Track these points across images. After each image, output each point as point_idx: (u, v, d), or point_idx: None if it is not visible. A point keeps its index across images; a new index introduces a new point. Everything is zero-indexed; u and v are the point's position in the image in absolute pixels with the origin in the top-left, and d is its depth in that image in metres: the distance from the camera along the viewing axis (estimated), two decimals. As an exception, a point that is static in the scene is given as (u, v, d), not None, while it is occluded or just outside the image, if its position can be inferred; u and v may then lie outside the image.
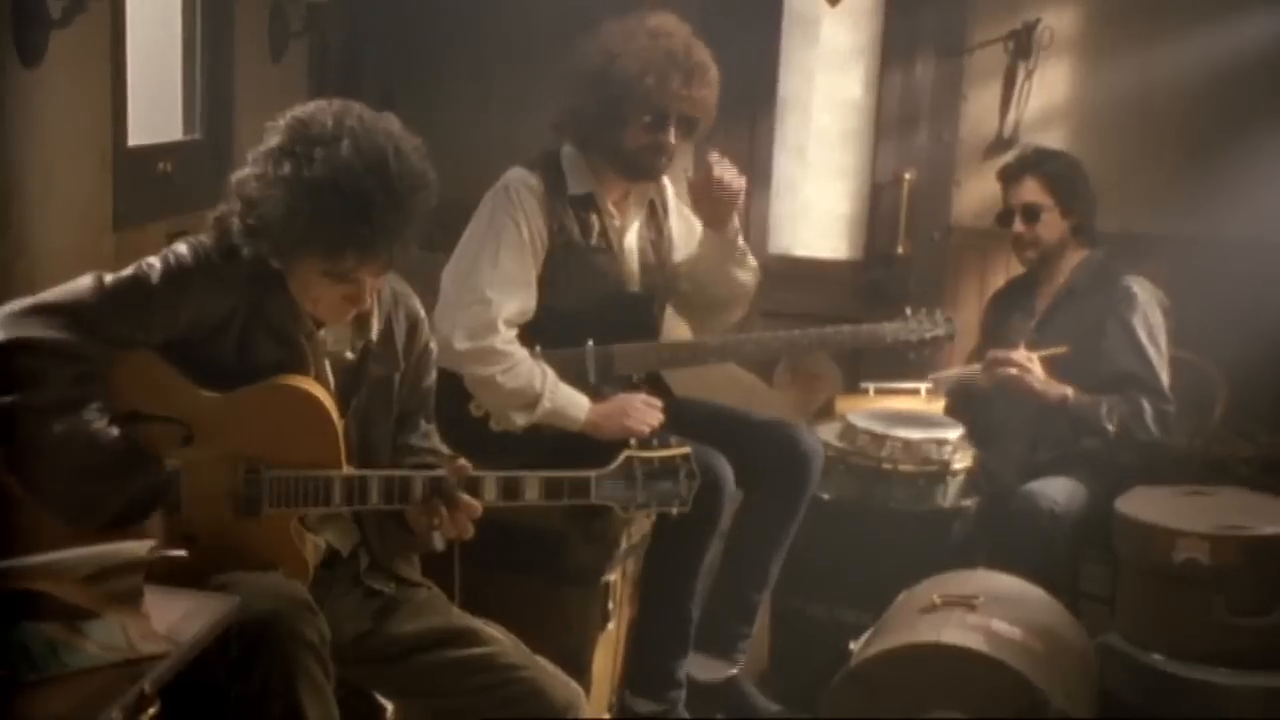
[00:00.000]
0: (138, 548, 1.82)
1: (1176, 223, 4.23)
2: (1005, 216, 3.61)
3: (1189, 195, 4.28)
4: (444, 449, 2.50)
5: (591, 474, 2.34)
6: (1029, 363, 3.41)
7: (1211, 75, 4.21)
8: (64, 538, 1.90)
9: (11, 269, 3.05)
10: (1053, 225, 3.52)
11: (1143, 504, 3.11)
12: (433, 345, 2.51)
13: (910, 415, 3.61)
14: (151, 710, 1.72)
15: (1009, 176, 3.60)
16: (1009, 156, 3.63)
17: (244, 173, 2.17)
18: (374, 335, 2.33)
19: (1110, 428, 3.36)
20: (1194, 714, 2.90)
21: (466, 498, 2.25)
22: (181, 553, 1.92)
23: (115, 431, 2.10)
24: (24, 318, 2.08)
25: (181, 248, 2.20)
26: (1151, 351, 3.43)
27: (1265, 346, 3.98)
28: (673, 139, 3.04)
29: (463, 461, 2.29)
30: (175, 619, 1.84)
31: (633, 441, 2.38)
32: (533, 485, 2.31)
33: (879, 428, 3.48)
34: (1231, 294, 4.10)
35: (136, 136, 3.61)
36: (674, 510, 2.39)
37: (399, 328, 2.39)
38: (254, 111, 4.21)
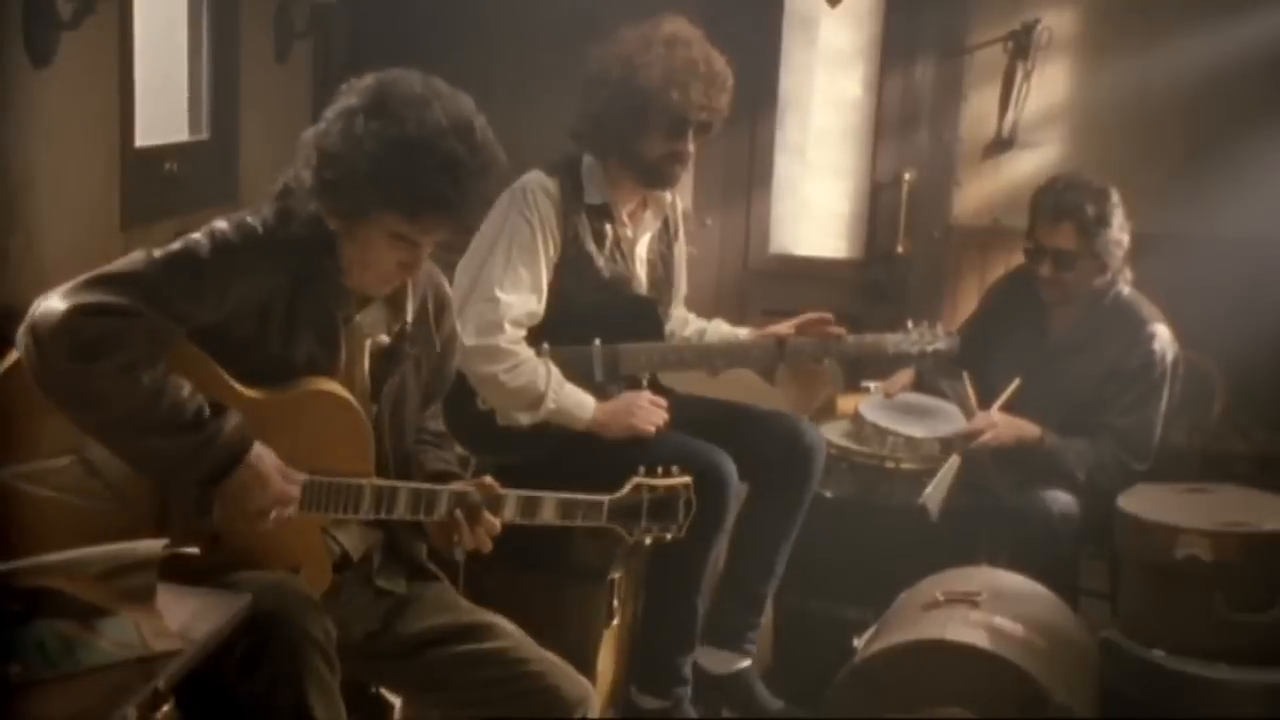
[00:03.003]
0: (150, 545, 1.83)
1: (1175, 221, 4.22)
2: (1034, 254, 3.39)
3: (1187, 194, 4.29)
4: (444, 429, 2.54)
5: (605, 499, 2.41)
6: (992, 427, 3.30)
7: (1209, 75, 4.23)
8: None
9: (21, 266, 3.07)
10: (1084, 271, 3.35)
11: (1144, 501, 3.11)
12: (459, 327, 2.54)
13: (919, 407, 3.61)
14: (165, 707, 1.72)
15: (1045, 215, 3.36)
16: (1047, 187, 3.41)
17: (323, 127, 2.16)
18: (409, 317, 2.33)
19: (1080, 476, 3.31)
20: (1195, 710, 2.91)
21: (489, 516, 2.30)
22: (194, 550, 1.92)
23: (188, 386, 2.07)
24: (87, 288, 2.04)
25: (223, 224, 2.17)
26: (1145, 413, 3.35)
27: (1263, 344, 4.00)
28: (691, 148, 3.07)
29: (489, 480, 2.33)
30: (187, 617, 1.85)
31: (641, 469, 2.45)
32: (550, 506, 2.38)
33: (885, 421, 3.50)
34: (1229, 291, 4.12)
35: (144, 137, 3.64)
36: (669, 536, 2.48)
37: (432, 307, 2.40)
38: (259, 112, 4.24)
